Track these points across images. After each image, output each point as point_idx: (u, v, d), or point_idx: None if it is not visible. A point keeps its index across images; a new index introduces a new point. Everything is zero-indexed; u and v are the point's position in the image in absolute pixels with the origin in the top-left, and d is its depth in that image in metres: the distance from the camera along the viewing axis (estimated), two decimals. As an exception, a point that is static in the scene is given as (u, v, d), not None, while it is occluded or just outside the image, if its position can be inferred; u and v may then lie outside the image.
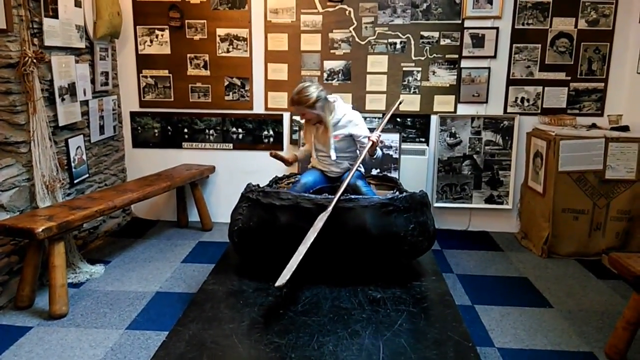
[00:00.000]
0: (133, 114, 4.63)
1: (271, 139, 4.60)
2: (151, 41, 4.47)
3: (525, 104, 4.39)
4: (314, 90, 3.11)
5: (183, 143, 4.66)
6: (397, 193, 2.94)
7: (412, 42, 4.32)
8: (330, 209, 2.65)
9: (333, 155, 3.23)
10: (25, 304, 3.07)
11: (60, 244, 2.99)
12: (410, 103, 4.43)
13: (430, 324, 2.37)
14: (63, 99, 3.55)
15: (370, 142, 3.05)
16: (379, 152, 3.23)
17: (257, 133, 4.60)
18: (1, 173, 3.10)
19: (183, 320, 2.37)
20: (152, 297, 3.27)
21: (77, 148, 3.80)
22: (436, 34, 4.30)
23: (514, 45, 4.30)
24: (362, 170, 3.46)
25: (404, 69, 4.37)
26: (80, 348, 2.67)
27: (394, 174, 4.23)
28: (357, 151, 3.32)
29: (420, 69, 4.36)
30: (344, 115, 3.23)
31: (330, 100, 3.25)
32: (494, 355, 2.66)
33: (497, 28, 4.27)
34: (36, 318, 2.97)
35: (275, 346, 2.15)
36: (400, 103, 3.45)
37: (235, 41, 4.42)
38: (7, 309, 3.07)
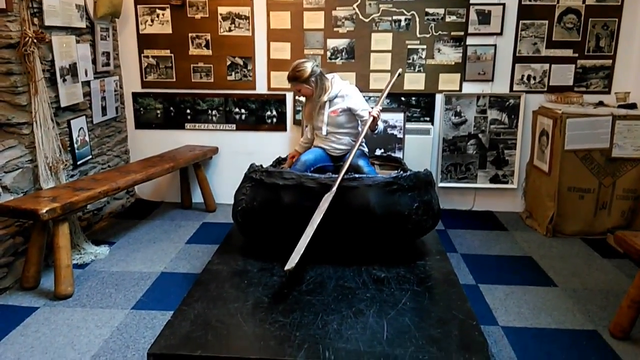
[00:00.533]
0: (135, 95, 4.60)
1: (274, 120, 4.57)
2: (152, 20, 4.42)
3: (532, 81, 4.34)
4: (308, 66, 3.19)
5: (186, 124, 4.64)
6: (402, 172, 2.92)
7: (417, 19, 4.25)
8: (334, 189, 2.64)
9: (324, 130, 3.30)
10: (31, 285, 3.09)
11: (64, 225, 3.00)
12: (415, 82, 4.38)
13: (435, 303, 2.36)
14: (64, 80, 3.52)
15: (371, 118, 3.06)
16: (380, 127, 3.26)
17: (260, 113, 4.57)
18: (4, 154, 3.09)
19: (188, 299, 2.37)
20: (157, 277, 3.29)
21: (80, 129, 3.79)
22: (441, 11, 4.23)
23: (520, 21, 4.22)
24: (366, 149, 3.44)
25: (409, 46, 4.31)
26: (86, 328, 2.69)
27: (398, 154, 4.20)
28: (359, 127, 3.31)
29: (425, 46, 4.30)
30: (340, 90, 3.28)
31: (327, 77, 3.30)
32: (498, 333, 2.66)
33: (503, 4, 4.19)
34: (42, 298, 3.00)
35: (279, 325, 2.15)
36: (398, 75, 3.43)
37: (237, 20, 4.36)
38: (13, 290, 3.09)
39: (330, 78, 3.32)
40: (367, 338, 2.07)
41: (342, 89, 3.29)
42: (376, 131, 3.23)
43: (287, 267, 2.36)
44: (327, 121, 3.29)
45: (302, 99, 3.46)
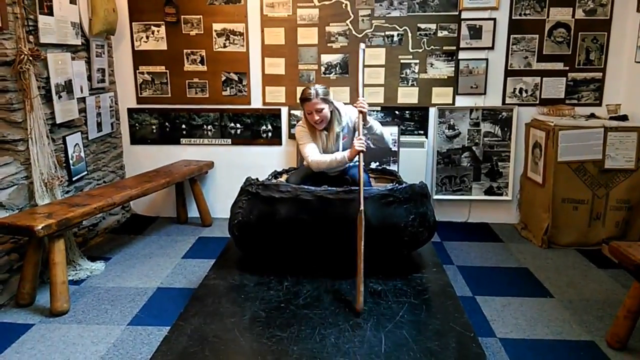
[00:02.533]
0: (130, 111, 4.62)
1: (269, 134, 4.59)
2: (147, 37, 4.45)
3: (524, 94, 4.39)
4: (322, 86, 3.16)
5: (181, 139, 4.65)
6: (397, 185, 2.93)
7: (410, 34, 4.30)
8: (362, 208, 2.59)
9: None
10: (27, 302, 3.07)
11: (60, 241, 2.99)
12: (408, 95, 4.42)
13: (432, 315, 2.37)
14: (60, 97, 3.54)
15: (360, 114, 2.99)
16: (373, 125, 3.16)
17: (256, 128, 4.59)
18: (-1, 171, 3.09)
19: (185, 315, 2.37)
20: (154, 292, 3.27)
21: (75, 145, 3.79)
22: (433, 26, 4.29)
23: (511, 36, 4.28)
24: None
25: (402, 61, 4.36)
26: (83, 344, 2.67)
27: (393, 167, 4.23)
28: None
29: (418, 61, 4.35)
30: (345, 114, 3.26)
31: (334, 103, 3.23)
32: (495, 345, 2.66)
33: (494, 19, 4.26)
34: (37, 315, 2.97)
35: (277, 339, 2.15)
36: (363, 51, 3.13)
37: (231, 36, 4.40)
38: (9, 307, 3.07)
39: (336, 105, 3.24)
40: (365, 351, 2.07)
41: (346, 112, 3.26)
42: (368, 126, 3.13)
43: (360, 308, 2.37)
44: (337, 149, 3.23)
45: (299, 128, 3.31)
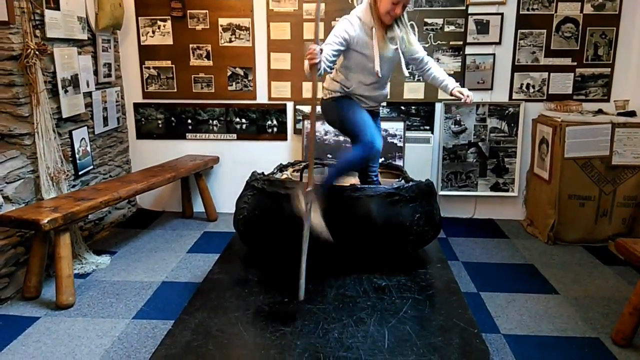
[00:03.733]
0: (136, 105, 4.63)
1: (275, 129, 4.59)
2: (153, 32, 4.45)
3: (531, 90, 4.36)
4: None
5: (187, 134, 4.66)
6: (403, 182, 2.92)
7: (416, 29, 4.27)
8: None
9: (377, 66, 2.63)
10: (33, 295, 3.09)
11: (66, 235, 3.00)
12: (414, 91, 4.40)
13: (436, 311, 2.36)
14: (66, 91, 3.55)
15: (464, 97, 2.70)
16: (434, 72, 2.92)
17: (261, 123, 4.59)
18: (6, 165, 3.11)
19: (189, 309, 2.37)
20: (158, 286, 3.28)
21: (81, 140, 3.80)
22: (440, 21, 4.26)
23: (519, 31, 4.25)
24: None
25: (408, 56, 4.33)
26: (88, 337, 2.69)
27: (398, 163, 4.21)
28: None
29: (424, 56, 4.32)
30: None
31: None
32: (499, 341, 2.65)
33: (501, 14, 4.22)
34: (43, 308, 3.00)
35: (280, 334, 2.15)
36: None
37: (237, 31, 4.40)
38: (15, 300, 3.09)
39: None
40: (368, 346, 2.07)
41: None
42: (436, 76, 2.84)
43: (300, 298, 2.36)
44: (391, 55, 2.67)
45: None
